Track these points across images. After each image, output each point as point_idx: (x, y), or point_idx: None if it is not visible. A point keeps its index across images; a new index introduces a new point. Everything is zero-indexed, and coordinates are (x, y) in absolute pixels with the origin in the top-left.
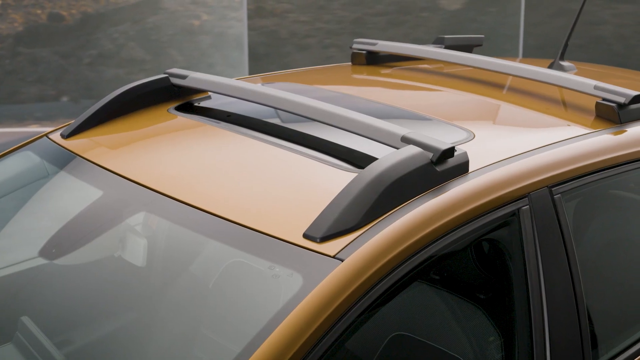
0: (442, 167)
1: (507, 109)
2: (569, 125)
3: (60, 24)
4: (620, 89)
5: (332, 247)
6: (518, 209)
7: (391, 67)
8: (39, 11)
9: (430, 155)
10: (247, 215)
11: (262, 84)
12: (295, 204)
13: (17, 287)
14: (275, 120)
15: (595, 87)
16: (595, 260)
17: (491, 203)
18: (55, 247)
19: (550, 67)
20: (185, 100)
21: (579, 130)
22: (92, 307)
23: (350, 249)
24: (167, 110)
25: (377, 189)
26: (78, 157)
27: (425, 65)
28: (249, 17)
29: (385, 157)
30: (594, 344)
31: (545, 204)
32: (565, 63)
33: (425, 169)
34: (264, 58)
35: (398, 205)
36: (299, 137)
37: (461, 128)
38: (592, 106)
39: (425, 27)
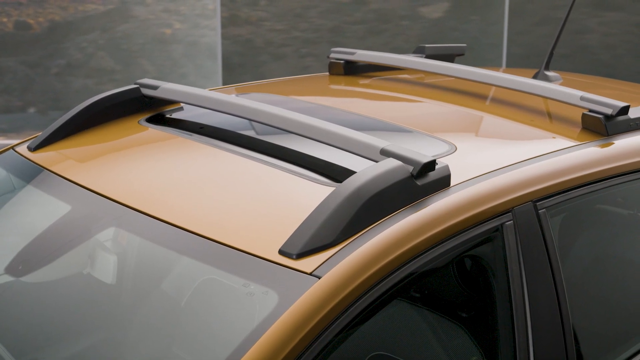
0: (423, 181)
1: (490, 120)
2: (554, 138)
3: (27, 33)
4: (607, 100)
5: (308, 264)
6: (501, 225)
7: (370, 77)
8: (4, 19)
9: (411, 168)
10: (220, 230)
11: (237, 95)
12: (270, 219)
13: None
14: (250, 133)
15: (582, 98)
16: (581, 277)
17: (473, 218)
18: (21, 264)
19: (535, 77)
20: (157, 111)
21: (564, 142)
22: (61, 326)
23: (328, 265)
24: (138, 122)
25: (356, 203)
26: (46, 170)
27: (406, 76)
28: (223, 26)
29: (364, 170)
30: None
31: (529, 219)
32: (550, 73)
33: (405, 183)
34: (238, 68)
35: (377, 221)
36: (274, 149)
37: (442, 140)
38: (578, 118)
39: (405, 36)
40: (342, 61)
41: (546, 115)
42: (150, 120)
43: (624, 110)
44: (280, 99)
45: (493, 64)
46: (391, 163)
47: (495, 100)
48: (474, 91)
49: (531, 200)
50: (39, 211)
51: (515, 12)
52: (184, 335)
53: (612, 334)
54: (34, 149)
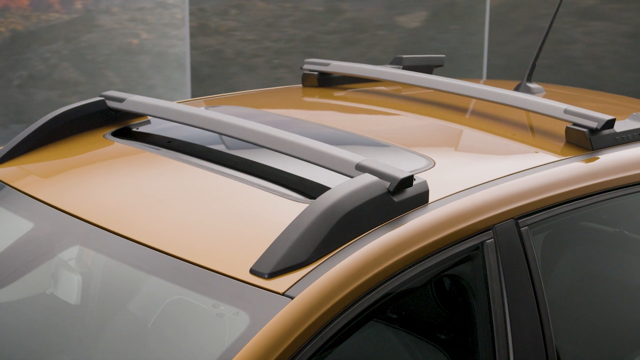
0: (400, 197)
1: (470, 134)
2: (536, 152)
3: None
4: (592, 113)
5: (281, 283)
6: (482, 243)
7: (345, 89)
8: None
9: (387, 184)
10: (189, 249)
11: (206, 108)
12: (241, 237)
13: None
14: (221, 147)
15: (565, 111)
16: (565, 298)
17: (453, 236)
18: None
19: (517, 89)
20: (123, 125)
21: (547, 157)
22: (22, 350)
23: (301, 285)
24: (104, 136)
25: (330, 220)
26: (7, 186)
27: (382, 88)
28: (192, 36)
29: (339, 186)
30: None
31: (511, 237)
32: (532, 85)
33: (381, 199)
34: (208, 79)
35: (352, 239)
36: (245, 165)
37: (420, 155)
38: (562, 131)
39: (381, 46)
40: (316, 72)
41: (528, 129)
42: (116, 134)
43: (610, 123)
44: (251, 111)
45: (473, 75)
46: (367, 179)
47: (475, 113)
48: (453, 104)
49: (513, 218)
50: (0, 229)
51: (496, 22)
52: (151, 358)
53: (597, 357)
54: None
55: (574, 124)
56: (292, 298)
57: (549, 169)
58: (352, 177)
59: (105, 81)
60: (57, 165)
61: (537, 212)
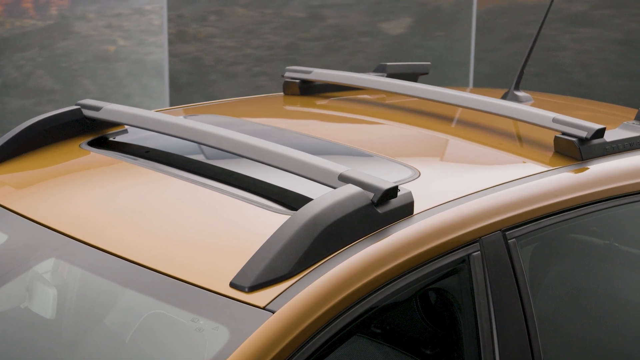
0: (384, 208)
1: (456, 144)
2: (524, 163)
3: None
4: (581, 122)
5: (262, 297)
6: (468, 255)
7: (328, 97)
8: None
9: (371, 195)
10: (167, 262)
11: (185, 117)
12: (221, 249)
13: None
14: (200, 157)
15: (554, 120)
16: (553, 312)
17: (438, 248)
18: None
19: (504, 97)
20: (100, 134)
21: (535, 167)
22: None
23: (282, 299)
24: (79, 146)
25: (312, 232)
26: None
27: (366, 96)
28: (170, 42)
29: (321, 197)
30: None
31: (498, 249)
32: (520, 93)
33: (365, 210)
34: (187, 87)
35: (335, 251)
36: (225, 175)
37: (405, 165)
38: (551, 141)
39: (365, 54)
40: (297, 80)
41: (516, 139)
42: (92, 144)
43: (600, 133)
44: (231, 120)
45: (459, 83)
46: (350, 189)
47: (461, 122)
48: (438, 112)
49: (500, 230)
50: None
51: (483, 28)
52: None
53: None
54: None
55: (563, 134)
56: (273, 312)
57: (537, 179)
58: (334, 187)
59: (81, 89)
60: (31, 175)
61: (525, 224)
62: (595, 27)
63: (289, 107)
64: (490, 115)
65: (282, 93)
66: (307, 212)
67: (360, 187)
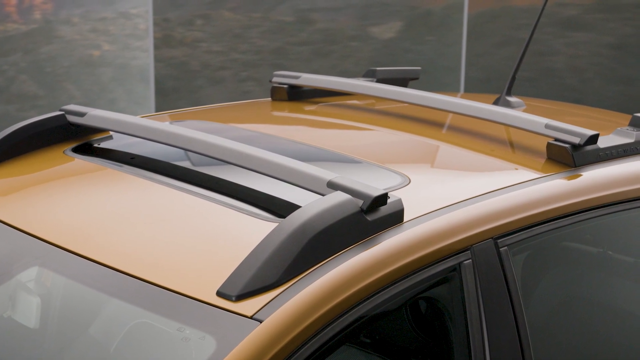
0: (374, 216)
1: (447, 150)
2: (516, 169)
3: None
4: (574, 128)
5: (249, 306)
6: (459, 264)
7: (316, 103)
8: None
9: (360, 202)
10: (153, 270)
11: (171, 123)
12: (207, 257)
13: None
14: (186, 164)
15: (547, 126)
16: (546, 321)
17: (429, 257)
18: None
19: (496, 103)
20: (84, 140)
21: (528, 174)
22: None
23: (270, 308)
24: (64, 152)
25: (300, 240)
26: None
27: (355, 101)
28: (156, 47)
29: (309, 204)
30: None
31: (489, 257)
32: (512, 99)
33: (354, 218)
34: (173, 93)
35: (324, 259)
36: (212, 182)
37: (395, 172)
38: (543, 147)
39: (354, 58)
40: (285, 86)
41: (508, 145)
42: (76, 150)
43: (593, 139)
44: (218, 126)
45: (450, 88)
46: (339, 197)
47: (452, 128)
48: (429, 118)
49: (491, 237)
50: None
51: (475, 33)
52: None
53: None
54: None
55: (556, 140)
56: (260, 321)
57: (529, 186)
58: (323, 195)
59: (65, 94)
60: (15, 182)
61: (517, 231)
62: (588, 32)
63: (276, 113)
64: (481, 121)
65: (269, 98)
66: (295, 219)
67: (349, 194)
